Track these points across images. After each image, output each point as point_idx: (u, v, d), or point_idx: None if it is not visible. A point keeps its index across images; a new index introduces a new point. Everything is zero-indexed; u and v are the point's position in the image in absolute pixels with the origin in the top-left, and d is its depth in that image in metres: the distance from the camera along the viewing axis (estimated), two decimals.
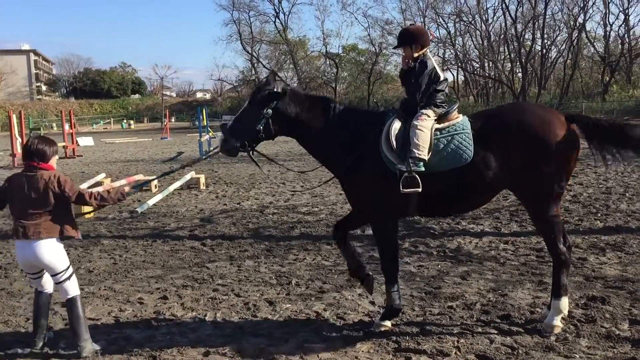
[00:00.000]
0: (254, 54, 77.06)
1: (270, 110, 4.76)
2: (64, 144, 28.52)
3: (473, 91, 72.95)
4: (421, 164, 4.52)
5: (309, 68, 76.50)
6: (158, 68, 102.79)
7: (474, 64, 72.21)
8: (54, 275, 4.56)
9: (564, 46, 64.20)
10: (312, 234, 8.83)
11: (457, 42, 71.31)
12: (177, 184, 13.51)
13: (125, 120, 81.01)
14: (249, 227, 9.48)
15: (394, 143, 4.62)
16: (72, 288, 4.62)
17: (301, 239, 8.44)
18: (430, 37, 5.19)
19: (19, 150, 23.24)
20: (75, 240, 8.73)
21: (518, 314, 5.09)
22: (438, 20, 71.41)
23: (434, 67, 4.86)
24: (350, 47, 76.47)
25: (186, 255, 7.77)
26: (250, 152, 4.90)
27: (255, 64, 78.26)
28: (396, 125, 4.72)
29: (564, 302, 4.72)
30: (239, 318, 5.30)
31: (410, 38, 4.96)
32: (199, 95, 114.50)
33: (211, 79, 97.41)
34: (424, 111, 4.71)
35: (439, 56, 74.40)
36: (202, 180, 14.70)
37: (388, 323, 4.86)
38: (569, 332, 4.63)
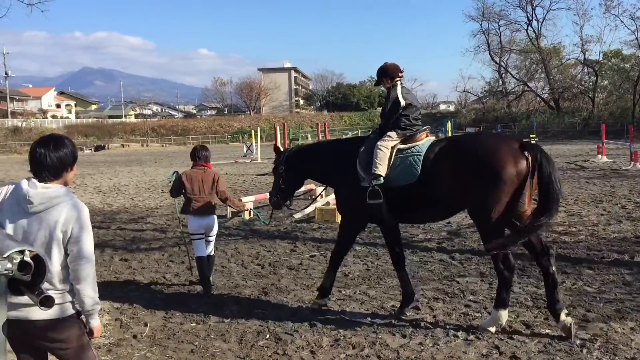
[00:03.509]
0: (502, 64, 74.61)
1: (282, 167, 6.43)
2: None
3: None
4: (381, 178, 5.44)
5: (562, 77, 71.23)
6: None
7: None
8: (212, 236, 7.04)
9: None
10: (570, 256, 8.18)
11: None
12: None
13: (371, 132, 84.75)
14: None
15: (360, 161, 5.67)
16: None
17: (558, 261, 7.78)
18: (401, 71, 5.99)
19: None
20: (330, 244, 9.41)
21: None
22: None
23: (397, 96, 5.73)
24: (613, 53, 69.21)
25: (435, 268, 7.79)
26: (288, 203, 6.67)
27: (504, 75, 75.68)
28: (365, 146, 5.72)
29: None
30: (496, 338, 5.12)
31: (380, 75, 6.03)
32: (442, 107, 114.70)
33: (455, 91, 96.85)
34: (389, 133, 5.65)
35: None
36: None
37: (323, 301, 6.12)
38: None
